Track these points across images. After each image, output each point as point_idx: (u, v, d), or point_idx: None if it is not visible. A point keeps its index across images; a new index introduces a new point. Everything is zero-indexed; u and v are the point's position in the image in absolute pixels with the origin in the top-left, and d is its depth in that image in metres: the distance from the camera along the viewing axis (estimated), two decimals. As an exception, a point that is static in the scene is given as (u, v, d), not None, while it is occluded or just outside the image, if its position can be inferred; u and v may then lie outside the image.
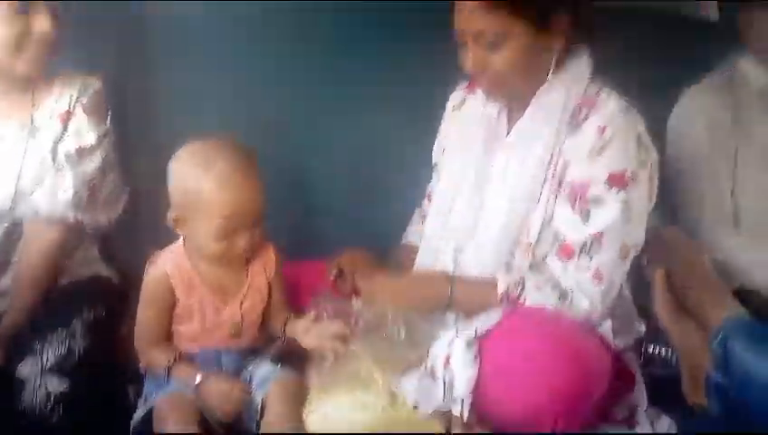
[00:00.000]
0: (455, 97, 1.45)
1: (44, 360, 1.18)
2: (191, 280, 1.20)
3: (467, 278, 1.25)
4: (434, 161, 1.49)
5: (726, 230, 1.57)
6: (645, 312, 1.30)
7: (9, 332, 1.28)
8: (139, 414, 1.17)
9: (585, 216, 1.19)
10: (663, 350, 1.36)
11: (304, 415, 1.14)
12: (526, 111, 1.26)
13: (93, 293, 1.38)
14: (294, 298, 1.33)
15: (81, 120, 1.37)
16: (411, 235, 1.53)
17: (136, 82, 1.61)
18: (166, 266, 1.19)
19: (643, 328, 1.32)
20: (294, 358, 1.25)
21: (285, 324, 1.26)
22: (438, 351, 1.14)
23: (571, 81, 1.24)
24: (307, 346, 1.21)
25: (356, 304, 1.27)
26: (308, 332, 1.21)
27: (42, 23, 1.26)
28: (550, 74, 1.23)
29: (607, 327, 1.21)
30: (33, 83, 1.36)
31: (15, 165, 1.33)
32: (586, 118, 1.21)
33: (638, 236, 1.21)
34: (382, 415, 1.13)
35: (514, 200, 1.24)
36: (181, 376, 1.16)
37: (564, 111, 1.23)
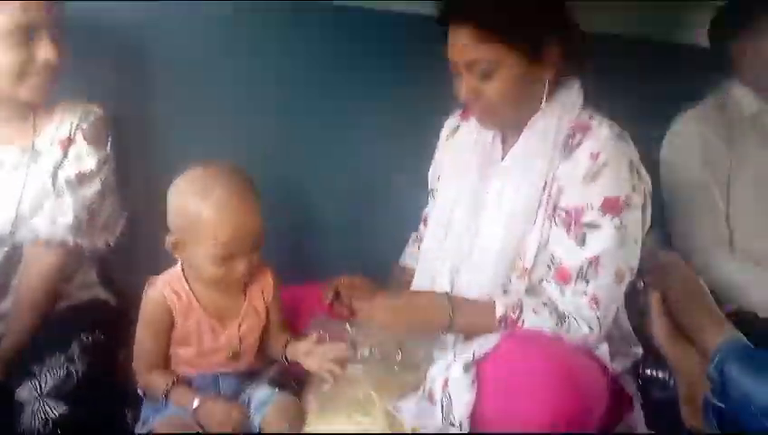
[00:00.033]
0: (449, 124, 1.47)
1: (43, 383, 1.18)
2: (189, 304, 1.20)
3: (466, 300, 1.25)
4: (430, 187, 1.50)
5: (722, 254, 1.58)
6: (642, 335, 1.31)
7: (8, 355, 1.28)
8: (136, 438, 1.17)
9: (581, 240, 1.20)
10: (660, 373, 1.36)
11: (302, 438, 1.14)
12: (520, 138, 1.28)
13: (92, 316, 1.38)
14: (292, 321, 1.33)
15: (81, 146, 1.38)
16: (408, 257, 1.54)
17: (134, 108, 1.62)
18: (164, 290, 1.20)
19: (640, 351, 1.32)
20: (292, 381, 1.26)
21: (286, 347, 1.26)
22: (436, 374, 1.14)
23: (562, 109, 1.26)
24: (309, 368, 1.21)
25: (350, 327, 1.27)
26: (310, 354, 1.21)
27: (45, 50, 1.27)
28: (543, 103, 1.25)
29: (604, 350, 1.22)
30: (34, 110, 1.37)
31: (16, 190, 1.34)
32: (579, 144, 1.23)
33: (633, 260, 1.22)
34: (380, 439, 1.13)
35: (510, 225, 1.25)
36: (179, 400, 1.16)
37: (558, 137, 1.24)
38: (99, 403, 1.22)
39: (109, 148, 1.44)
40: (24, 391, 1.17)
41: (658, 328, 1.24)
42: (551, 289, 1.21)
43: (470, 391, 1.08)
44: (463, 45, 1.20)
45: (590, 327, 1.18)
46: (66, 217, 1.35)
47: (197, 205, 1.15)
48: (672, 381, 1.26)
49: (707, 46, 1.75)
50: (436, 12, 1.24)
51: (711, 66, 1.72)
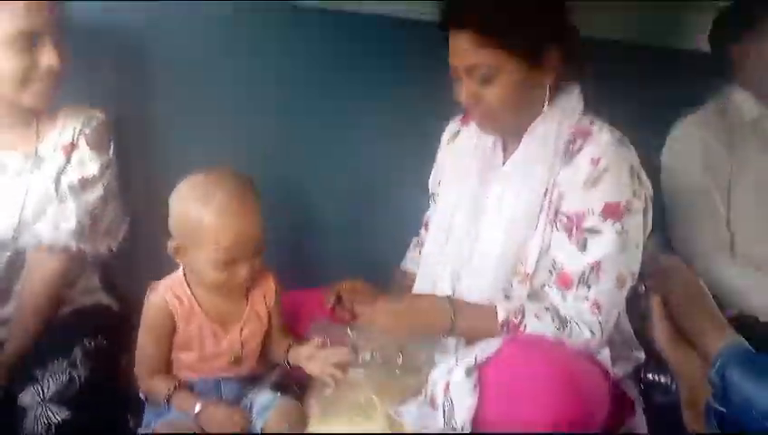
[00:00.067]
0: (450, 128, 1.48)
1: (46, 389, 1.18)
2: (191, 308, 1.20)
3: (468, 303, 1.25)
4: (431, 191, 1.50)
5: (723, 259, 1.58)
6: (643, 339, 1.31)
7: (11, 360, 1.28)
8: (138, 443, 1.17)
9: (582, 246, 1.20)
10: (662, 377, 1.36)
11: (304, 443, 1.14)
12: (521, 143, 1.28)
13: (94, 322, 1.38)
14: (292, 326, 1.33)
15: (83, 151, 1.39)
16: (409, 261, 1.55)
17: (134, 108, 1.62)
18: (166, 295, 1.20)
19: (642, 355, 1.32)
20: (294, 386, 1.26)
21: (288, 351, 1.26)
22: (438, 378, 1.14)
23: (563, 114, 1.26)
24: (311, 373, 1.21)
25: (351, 331, 1.27)
26: (312, 358, 1.21)
27: (48, 56, 1.28)
28: (545, 107, 1.25)
29: (605, 355, 1.22)
30: (37, 116, 1.37)
31: (19, 195, 1.34)
32: (580, 149, 1.23)
33: (634, 265, 1.22)
34: (382, 443, 1.13)
35: (510, 230, 1.25)
36: (181, 405, 1.16)
37: (558, 143, 1.24)
38: (101, 408, 1.23)
39: (111, 153, 1.44)
40: (27, 397, 1.17)
41: (660, 332, 1.24)
42: (552, 294, 1.22)
43: (472, 396, 1.08)
44: (463, 50, 1.20)
45: (592, 332, 1.18)
46: (69, 222, 1.35)
47: (199, 210, 1.15)
48: (674, 386, 1.26)
49: (708, 51, 1.75)
50: (437, 17, 1.25)
51: (711, 71, 1.72)
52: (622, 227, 1.18)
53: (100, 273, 1.51)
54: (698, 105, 1.71)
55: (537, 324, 1.19)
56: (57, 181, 1.36)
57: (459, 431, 1.08)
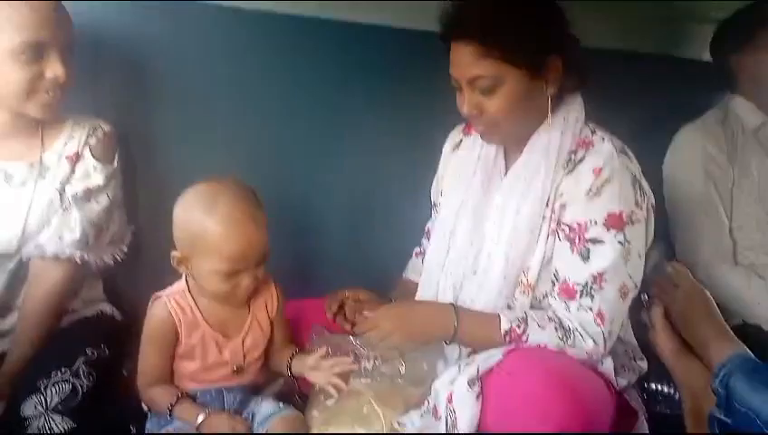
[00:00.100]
0: (452, 138, 1.48)
1: (48, 399, 1.18)
2: (194, 318, 1.20)
3: (471, 311, 1.25)
4: (432, 200, 1.51)
5: (726, 267, 1.58)
6: (647, 349, 1.31)
7: (14, 370, 1.28)
8: (141, 453, 1.17)
9: (585, 256, 1.20)
10: (665, 387, 1.36)
11: (306, 453, 1.14)
12: (523, 152, 1.28)
13: (97, 331, 1.39)
14: (296, 336, 1.33)
15: (88, 162, 1.39)
16: (411, 271, 1.55)
17: (137, 120, 1.63)
18: (168, 305, 1.20)
19: (645, 365, 1.32)
20: (296, 395, 1.25)
21: (291, 360, 1.26)
22: (440, 388, 1.14)
23: (565, 124, 1.26)
24: (315, 382, 1.21)
25: (353, 340, 1.27)
26: (316, 368, 1.21)
27: (54, 68, 1.28)
28: (549, 117, 1.25)
29: (608, 365, 1.22)
30: (42, 126, 1.38)
31: (24, 205, 1.35)
32: (582, 159, 1.23)
33: (637, 274, 1.22)
34: (385, 453, 1.13)
35: (513, 240, 1.25)
36: (184, 415, 1.16)
37: (560, 153, 1.25)
38: (104, 418, 1.22)
39: (116, 163, 1.45)
40: (30, 407, 1.17)
41: (663, 342, 1.24)
42: (555, 304, 1.22)
43: (475, 406, 1.08)
44: (465, 62, 1.20)
45: (596, 342, 1.18)
46: (73, 232, 1.35)
47: (202, 221, 1.15)
48: (677, 395, 1.25)
49: (709, 61, 1.76)
50: (439, 28, 1.25)
51: (712, 81, 1.72)
52: (624, 237, 1.18)
53: (104, 283, 1.51)
54: (700, 114, 1.72)
55: (540, 334, 1.19)
56: (62, 191, 1.37)
57: (462, 441, 1.08)
